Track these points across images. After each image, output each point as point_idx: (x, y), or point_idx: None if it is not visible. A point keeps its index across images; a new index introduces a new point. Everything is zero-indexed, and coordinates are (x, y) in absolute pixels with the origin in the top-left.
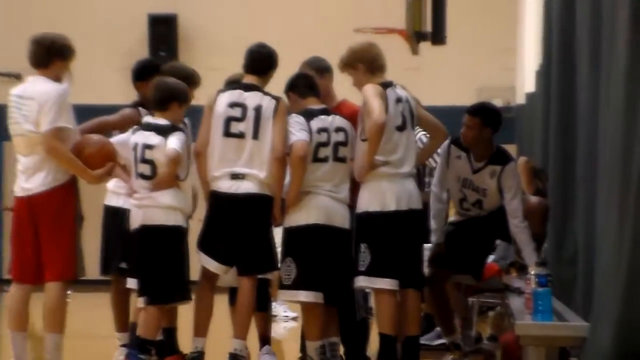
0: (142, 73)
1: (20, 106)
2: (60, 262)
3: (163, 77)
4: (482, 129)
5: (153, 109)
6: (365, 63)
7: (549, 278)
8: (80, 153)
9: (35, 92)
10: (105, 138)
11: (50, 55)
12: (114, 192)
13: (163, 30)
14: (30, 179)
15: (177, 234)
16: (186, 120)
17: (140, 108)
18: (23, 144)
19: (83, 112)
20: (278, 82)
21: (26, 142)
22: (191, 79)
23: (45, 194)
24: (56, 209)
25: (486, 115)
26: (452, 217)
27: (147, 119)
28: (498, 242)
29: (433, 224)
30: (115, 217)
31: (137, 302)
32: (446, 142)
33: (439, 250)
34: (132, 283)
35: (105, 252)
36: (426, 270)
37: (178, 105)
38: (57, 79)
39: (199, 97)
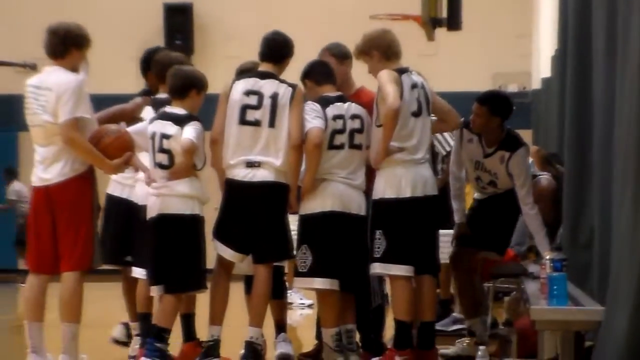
0: (148, 60)
1: (38, 97)
2: (77, 252)
3: (180, 66)
4: (490, 117)
5: (171, 97)
6: (380, 50)
7: (564, 263)
8: (98, 143)
9: (52, 82)
10: (122, 128)
11: (67, 45)
12: (119, 183)
13: (179, 20)
14: (48, 169)
15: (194, 222)
16: None
17: (150, 96)
18: (41, 135)
19: (99, 102)
20: (294, 70)
21: (44, 133)
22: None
23: (63, 184)
24: (73, 199)
25: (494, 104)
26: (475, 195)
27: (165, 108)
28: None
29: (454, 204)
30: (118, 207)
31: (150, 291)
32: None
33: (461, 230)
34: (138, 272)
35: (109, 243)
36: (450, 250)
37: (197, 93)
38: (74, 69)
39: (215, 86)
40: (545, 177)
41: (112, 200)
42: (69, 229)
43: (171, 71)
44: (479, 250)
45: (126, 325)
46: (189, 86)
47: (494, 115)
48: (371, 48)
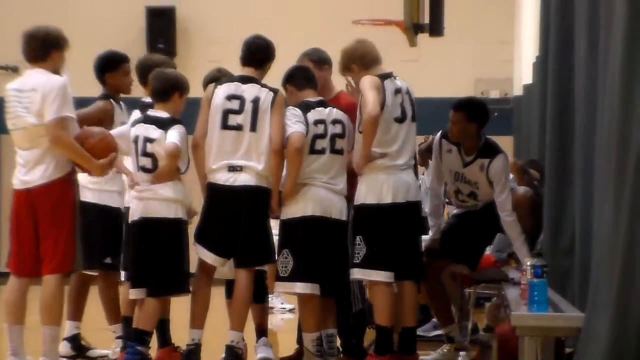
0: (112, 63)
1: (21, 99)
2: (58, 255)
3: (162, 68)
4: (467, 123)
5: (153, 100)
6: (357, 62)
7: (545, 269)
8: (83, 144)
9: (37, 83)
10: (105, 130)
11: (47, 47)
12: (85, 187)
13: (161, 23)
14: (30, 172)
15: (177, 226)
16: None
17: (111, 100)
18: (25, 138)
19: (80, 105)
20: (276, 75)
21: (28, 136)
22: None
23: (45, 186)
24: (55, 202)
25: (470, 110)
26: (454, 211)
27: (148, 111)
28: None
29: (430, 220)
30: (88, 212)
31: (130, 294)
32: (437, 137)
33: (432, 245)
34: (125, 276)
35: (85, 246)
36: None
37: (179, 96)
38: (55, 70)
39: (198, 90)
40: (522, 187)
41: (82, 205)
42: (50, 232)
43: (153, 74)
44: (449, 263)
45: (71, 339)
46: (172, 89)
47: (470, 120)
48: (349, 62)
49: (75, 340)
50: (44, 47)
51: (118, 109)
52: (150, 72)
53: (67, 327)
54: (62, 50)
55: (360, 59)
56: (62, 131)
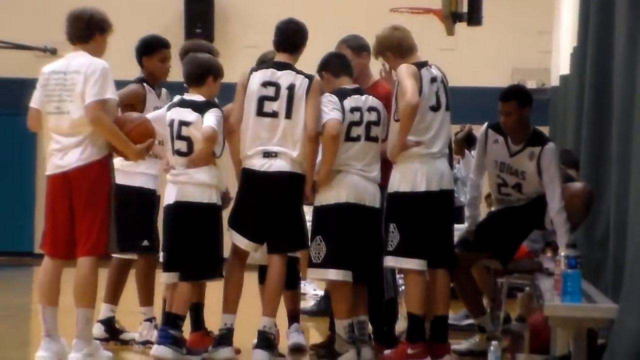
0: (149, 47)
1: (65, 82)
2: (93, 237)
3: (195, 53)
4: (520, 110)
5: (188, 84)
6: (392, 49)
7: (579, 259)
8: (121, 128)
9: (80, 65)
10: (144, 115)
11: (91, 29)
12: (121, 170)
13: (199, 8)
14: (65, 156)
15: (211, 211)
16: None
17: (144, 84)
18: (68, 123)
19: (118, 88)
20: (313, 61)
21: (71, 121)
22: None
23: (82, 168)
24: (91, 184)
25: (520, 97)
26: (492, 208)
27: (184, 95)
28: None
29: (467, 211)
30: (125, 195)
31: (162, 277)
32: (483, 128)
33: (468, 237)
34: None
35: (122, 230)
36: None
37: (213, 80)
38: (97, 54)
39: (235, 75)
40: (580, 182)
41: (120, 188)
42: (85, 214)
43: (187, 59)
44: (482, 256)
45: (105, 322)
46: (206, 73)
47: (523, 106)
48: (383, 49)
49: (109, 323)
50: (88, 29)
51: (152, 94)
52: None
53: (103, 310)
54: (105, 33)
55: (396, 47)
56: (102, 113)
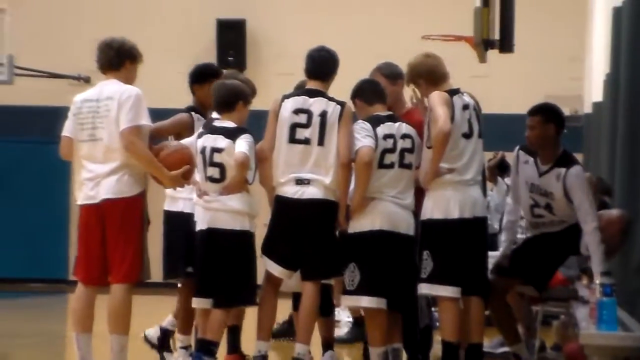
0: (200, 76)
1: (98, 109)
2: (126, 266)
3: (223, 80)
4: (544, 126)
5: (218, 111)
6: (424, 77)
7: (614, 287)
8: (157, 155)
9: (113, 92)
10: (182, 143)
11: (121, 57)
12: (173, 197)
13: (231, 36)
14: (97, 186)
15: (245, 238)
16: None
17: (193, 113)
18: (101, 150)
19: (153, 115)
20: (346, 88)
21: (105, 148)
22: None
23: (115, 202)
24: (125, 216)
25: (546, 112)
26: (528, 233)
27: (215, 122)
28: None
29: (503, 234)
30: (176, 222)
31: (194, 303)
32: (515, 150)
33: (503, 262)
34: None
35: (169, 256)
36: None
37: (243, 105)
38: (128, 82)
39: (267, 102)
40: (615, 209)
41: (170, 215)
42: (118, 243)
43: (215, 86)
44: (517, 282)
45: (162, 330)
46: (235, 99)
47: (547, 122)
48: (416, 77)
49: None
50: (119, 57)
51: (201, 122)
52: None
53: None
54: (135, 62)
55: (428, 74)
56: (137, 138)
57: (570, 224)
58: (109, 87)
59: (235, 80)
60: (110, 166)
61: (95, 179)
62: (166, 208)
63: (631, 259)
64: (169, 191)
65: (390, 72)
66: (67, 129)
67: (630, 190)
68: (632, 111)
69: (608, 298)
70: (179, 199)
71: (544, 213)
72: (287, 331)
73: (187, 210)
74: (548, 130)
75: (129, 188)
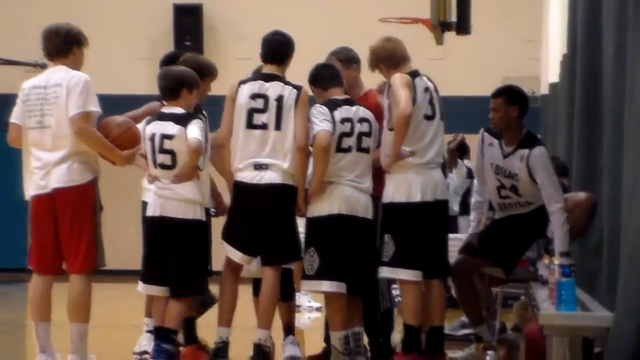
0: (172, 63)
1: (46, 96)
2: (80, 256)
3: (168, 67)
4: (507, 107)
5: (164, 99)
6: (384, 61)
7: (573, 268)
8: (107, 135)
9: (61, 78)
10: (130, 121)
11: (69, 43)
12: (149, 189)
13: (188, 21)
14: (47, 175)
15: (196, 227)
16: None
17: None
18: (50, 136)
19: (109, 103)
20: (304, 73)
21: (53, 134)
22: (206, 70)
23: (65, 190)
24: (76, 203)
25: (509, 94)
26: (495, 215)
27: (163, 109)
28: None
29: (472, 214)
30: None
31: (141, 288)
32: (480, 132)
33: (472, 241)
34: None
35: None
36: (455, 257)
37: (188, 92)
38: (76, 67)
39: (225, 87)
40: (584, 192)
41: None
42: (72, 233)
43: (159, 73)
44: (485, 263)
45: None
46: (179, 86)
47: (510, 104)
48: (376, 61)
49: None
50: (66, 43)
51: None
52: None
53: None
54: (82, 46)
55: (389, 58)
56: (87, 124)
57: (537, 206)
58: (57, 74)
59: (181, 66)
60: (58, 154)
61: (45, 168)
62: (144, 199)
63: (589, 240)
64: (146, 183)
65: (345, 57)
66: (15, 116)
67: (587, 170)
68: (588, 91)
69: (567, 278)
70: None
71: (510, 194)
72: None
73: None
74: (512, 112)
75: (79, 176)
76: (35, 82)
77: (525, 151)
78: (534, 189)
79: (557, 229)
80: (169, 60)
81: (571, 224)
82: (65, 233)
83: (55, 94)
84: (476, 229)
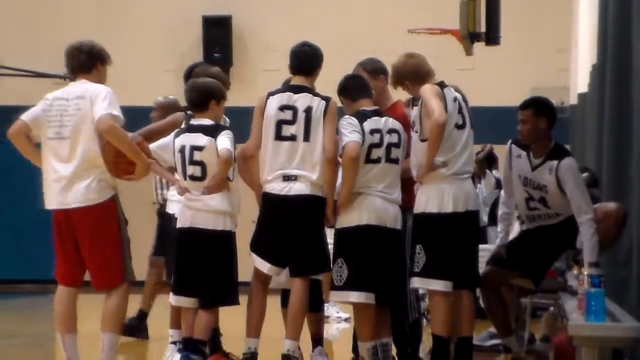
0: (190, 76)
1: (67, 107)
2: (105, 274)
3: (194, 79)
4: (536, 119)
5: (192, 111)
6: (409, 78)
7: (602, 278)
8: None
9: (84, 90)
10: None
11: (92, 59)
12: (170, 200)
13: (217, 32)
14: (66, 190)
15: (226, 238)
16: (227, 119)
17: (189, 112)
18: (67, 147)
19: (138, 114)
20: (333, 84)
21: (72, 145)
22: (218, 80)
23: (85, 210)
24: (96, 223)
25: (538, 105)
26: (522, 226)
27: (192, 121)
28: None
29: (499, 226)
30: (169, 224)
31: (172, 300)
32: (508, 144)
33: (500, 252)
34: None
35: (168, 258)
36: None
37: (216, 103)
38: (99, 83)
39: (253, 98)
40: (613, 202)
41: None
42: (92, 252)
43: (187, 86)
44: (514, 274)
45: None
46: (207, 98)
47: (539, 116)
48: (401, 79)
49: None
50: (90, 59)
51: None
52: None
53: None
54: (105, 63)
55: (414, 75)
56: (115, 123)
57: (566, 217)
58: (80, 87)
59: (207, 78)
60: (75, 167)
61: (62, 181)
62: (169, 211)
63: (619, 250)
64: (171, 195)
65: (372, 68)
66: (27, 115)
67: (617, 181)
68: (618, 101)
69: (596, 289)
70: (174, 201)
71: (539, 206)
72: (137, 328)
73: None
74: (540, 124)
75: (98, 195)
76: (58, 94)
77: (554, 162)
78: (563, 201)
79: (587, 240)
80: (190, 72)
81: (601, 235)
82: (87, 251)
83: (77, 105)
84: (504, 240)
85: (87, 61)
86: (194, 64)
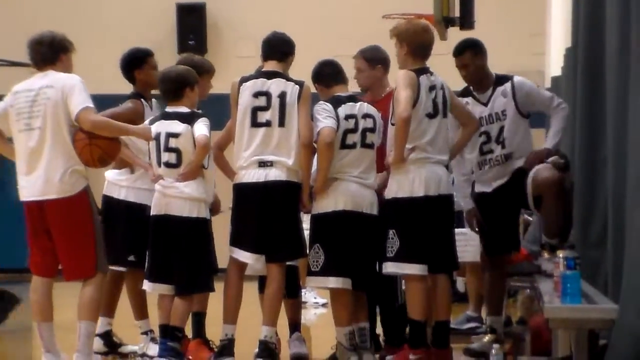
0: (138, 60)
1: (36, 97)
2: (79, 265)
3: (167, 68)
4: (475, 58)
5: (167, 100)
6: (411, 46)
7: (577, 261)
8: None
9: (52, 80)
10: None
11: (55, 51)
12: (115, 184)
13: (192, 20)
14: (37, 182)
15: (200, 225)
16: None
17: (141, 99)
18: (35, 139)
19: (113, 102)
20: (309, 71)
21: (42, 135)
22: (203, 67)
23: (56, 202)
24: (68, 215)
25: (473, 46)
26: (476, 187)
27: (167, 108)
28: (527, 217)
29: (460, 191)
30: (116, 209)
31: (145, 286)
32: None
33: (473, 215)
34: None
35: (111, 244)
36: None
37: (191, 90)
38: (66, 72)
39: (228, 85)
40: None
41: (111, 201)
42: (65, 243)
43: (159, 77)
44: (506, 258)
45: (104, 335)
46: (181, 86)
47: (477, 54)
48: (405, 39)
49: (107, 337)
50: (52, 51)
51: (147, 108)
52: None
53: (100, 323)
54: (69, 52)
55: (416, 45)
56: (94, 115)
57: (515, 169)
58: (47, 77)
59: (178, 66)
60: (47, 157)
61: (33, 172)
62: (106, 193)
63: (591, 232)
64: (109, 176)
65: (371, 57)
66: None
67: (590, 162)
68: (591, 84)
69: (571, 271)
70: (121, 186)
71: (494, 147)
72: None
73: (130, 199)
74: (481, 61)
75: (72, 186)
76: (25, 86)
77: (506, 85)
78: (520, 129)
79: (555, 124)
80: (135, 55)
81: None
82: (60, 242)
83: (46, 94)
84: (470, 203)
85: (49, 53)
86: (136, 49)
